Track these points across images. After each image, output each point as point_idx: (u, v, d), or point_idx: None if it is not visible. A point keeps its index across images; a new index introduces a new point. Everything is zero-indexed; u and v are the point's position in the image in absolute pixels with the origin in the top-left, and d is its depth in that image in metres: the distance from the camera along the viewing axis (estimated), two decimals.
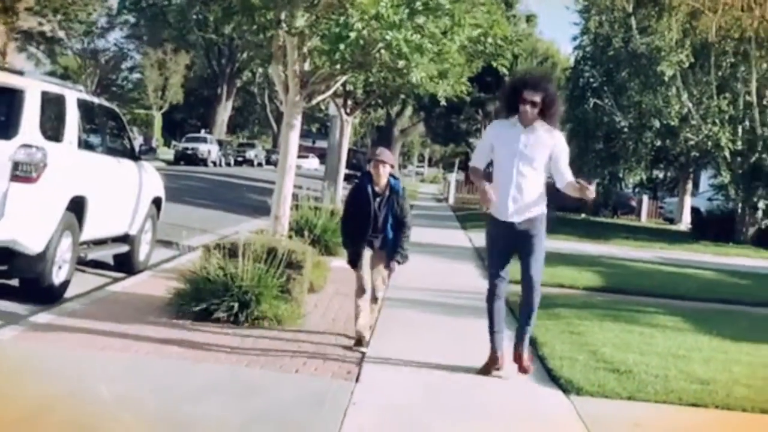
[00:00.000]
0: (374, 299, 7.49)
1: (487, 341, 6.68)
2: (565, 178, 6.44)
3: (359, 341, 7.22)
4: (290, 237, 9.68)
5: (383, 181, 7.23)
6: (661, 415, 5.97)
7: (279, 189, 9.54)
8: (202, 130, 60.70)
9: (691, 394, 6.37)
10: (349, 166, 22.66)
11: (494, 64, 11.85)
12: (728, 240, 24.45)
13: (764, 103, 24.69)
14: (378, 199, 7.20)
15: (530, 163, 6.37)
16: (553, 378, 6.64)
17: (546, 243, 6.55)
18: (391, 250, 7.28)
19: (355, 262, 7.31)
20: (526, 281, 6.47)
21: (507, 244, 6.54)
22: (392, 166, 7.35)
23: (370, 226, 7.18)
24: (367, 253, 7.24)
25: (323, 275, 10.03)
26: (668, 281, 13.91)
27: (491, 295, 6.65)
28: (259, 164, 63.31)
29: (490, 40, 10.57)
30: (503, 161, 6.46)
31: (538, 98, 6.38)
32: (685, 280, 14.33)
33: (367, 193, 7.20)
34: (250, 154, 64.36)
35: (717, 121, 24.27)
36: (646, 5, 26.62)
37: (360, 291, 7.27)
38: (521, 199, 6.38)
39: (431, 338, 7.91)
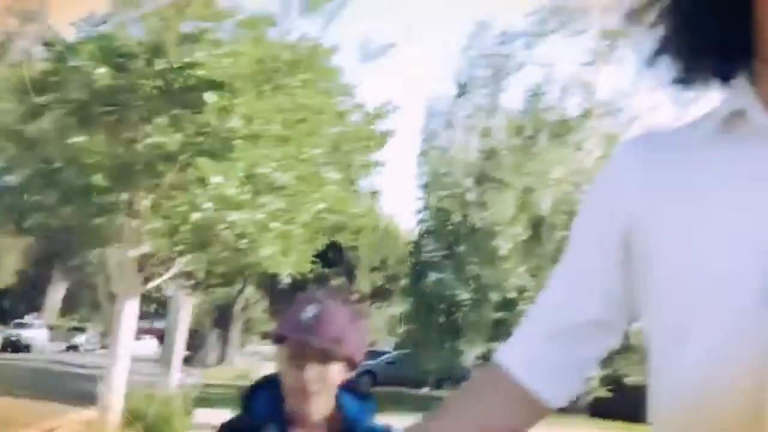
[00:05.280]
0: None
1: None
2: None
3: None
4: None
5: (319, 406, 1.90)
6: None
7: (109, 376, 9.10)
8: (28, 315, 58.00)
9: None
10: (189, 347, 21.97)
11: (338, 239, 11.83)
12: None
13: None
14: None
15: None
16: None
17: None
18: None
19: None
20: None
21: None
22: (353, 361, 1.94)
23: None
24: None
25: None
26: None
27: None
28: (92, 349, 60.77)
29: (333, 217, 10.56)
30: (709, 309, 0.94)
31: None
32: None
33: None
34: (81, 338, 61.70)
35: None
36: (482, 182, 27.72)
37: None
38: None
39: None
